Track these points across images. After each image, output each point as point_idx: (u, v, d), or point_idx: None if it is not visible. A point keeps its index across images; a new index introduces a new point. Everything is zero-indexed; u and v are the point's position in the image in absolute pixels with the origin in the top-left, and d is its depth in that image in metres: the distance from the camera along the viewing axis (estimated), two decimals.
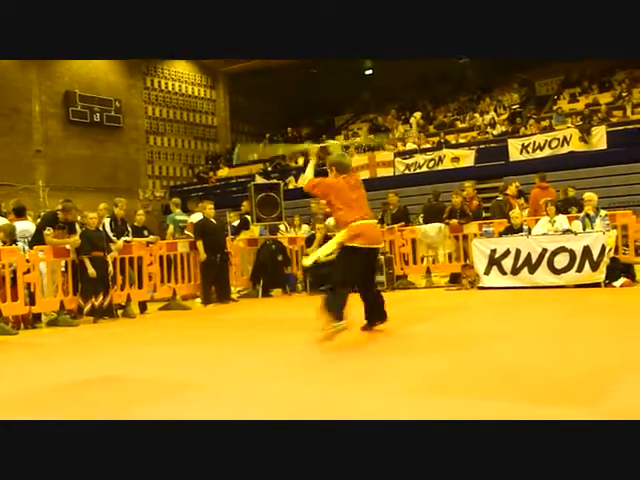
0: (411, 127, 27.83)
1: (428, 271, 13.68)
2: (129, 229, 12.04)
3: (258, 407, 4.18)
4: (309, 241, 13.69)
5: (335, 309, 6.48)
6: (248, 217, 14.51)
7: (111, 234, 11.45)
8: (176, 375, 5.49)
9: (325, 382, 4.93)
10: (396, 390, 4.43)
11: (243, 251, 14.10)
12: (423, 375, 4.91)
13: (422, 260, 13.88)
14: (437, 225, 13.37)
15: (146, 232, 12.39)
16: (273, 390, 4.69)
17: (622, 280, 10.96)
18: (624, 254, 11.89)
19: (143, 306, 11.79)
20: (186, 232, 13.52)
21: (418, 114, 28.44)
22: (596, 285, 10.83)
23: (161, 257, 12.13)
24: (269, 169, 27.88)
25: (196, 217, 13.41)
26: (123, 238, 11.59)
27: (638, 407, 3.68)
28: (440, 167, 22.63)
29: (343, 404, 4.15)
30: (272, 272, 13.65)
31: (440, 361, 5.43)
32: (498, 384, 4.48)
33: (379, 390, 4.47)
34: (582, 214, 11.76)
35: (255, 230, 14.51)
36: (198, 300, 12.65)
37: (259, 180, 22.42)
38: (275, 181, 16.40)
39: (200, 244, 12.26)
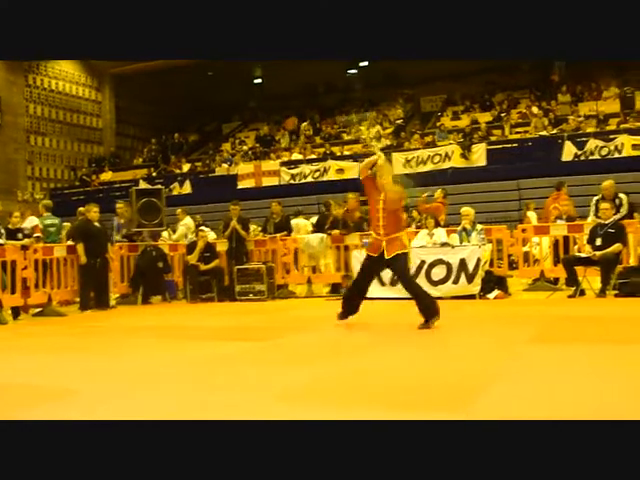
0: (298, 137, 27.99)
1: (309, 281, 13.75)
2: (2, 231, 11.57)
3: (124, 412, 4.06)
4: (190, 248, 13.51)
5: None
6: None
7: None
8: (47, 383, 5.28)
9: (201, 388, 4.85)
10: (267, 397, 4.40)
11: (123, 257, 13.79)
12: (294, 384, 4.89)
13: (303, 270, 13.95)
14: (319, 235, 13.46)
15: (20, 235, 11.93)
16: (151, 395, 4.58)
17: (496, 292, 11.32)
18: (499, 267, 12.29)
19: (16, 312, 11.35)
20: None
21: (304, 124, 28.63)
22: (471, 297, 11.13)
23: (36, 261, 11.69)
24: (154, 174, 27.43)
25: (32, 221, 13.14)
26: None
27: (501, 412, 3.78)
28: (325, 178, 22.84)
29: (213, 408, 4.08)
30: (152, 279, 13.42)
31: (314, 370, 5.43)
32: (370, 392, 4.51)
33: (251, 396, 4.43)
34: (459, 228, 12.08)
35: None
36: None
37: (143, 185, 22.06)
38: (158, 187, 16.14)
39: (80, 247, 11.92)
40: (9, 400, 4.68)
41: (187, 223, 15.92)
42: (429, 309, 7.62)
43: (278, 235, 13.88)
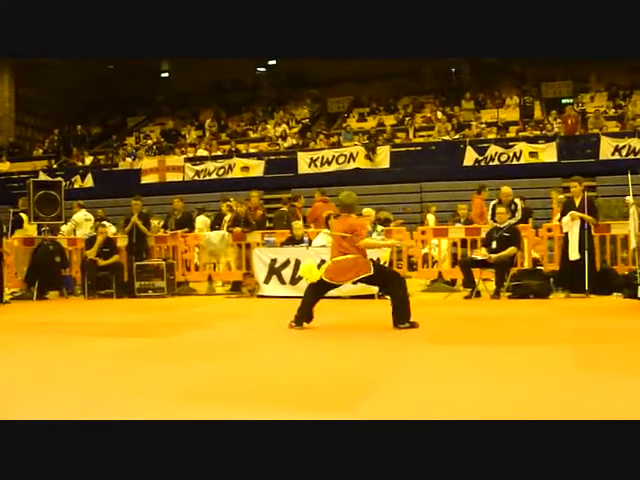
0: (204, 134, 27.81)
1: (210, 278, 13.67)
2: None
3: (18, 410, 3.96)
4: (89, 243, 13.24)
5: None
6: (23, 215, 13.85)
7: None
8: None
9: (94, 386, 4.76)
10: (160, 395, 4.36)
11: (18, 251, 13.41)
12: (188, 382, 4.86)
13: (205, 267, 13.87)
14: (220, 232, 13.38)
15: None
16: (41, 394, 4.48)
17: None
18: (398, 268, 12.46)
19: None
20: None
21: (208, 121, 28.46)
22: (370, 297, 11.26)
23: None
24: (55, 166, 26.72)
25: None
26: None
27: (389, 409, 3.85)
28: (230, 175, 22.74)
29: (105, 407, 4.03)
30: (49, 274, 13.08)
31: (208, 368, 5.41)
32: (261, 391, 4.53)
33: (144, 394, 4.39)
34: None
35: (31, 229, 13.85)
36: None
37: (43, 177, 21.49)
38: (57, 179, 15.74)
39: None
40: None
41: (75, 219, 15.45)
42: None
43: (179, 231, 13.76)
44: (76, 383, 4.92)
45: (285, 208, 14.46)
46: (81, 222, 15.35)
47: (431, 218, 16.43)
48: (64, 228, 15.38)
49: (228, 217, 13.44)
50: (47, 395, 4.50)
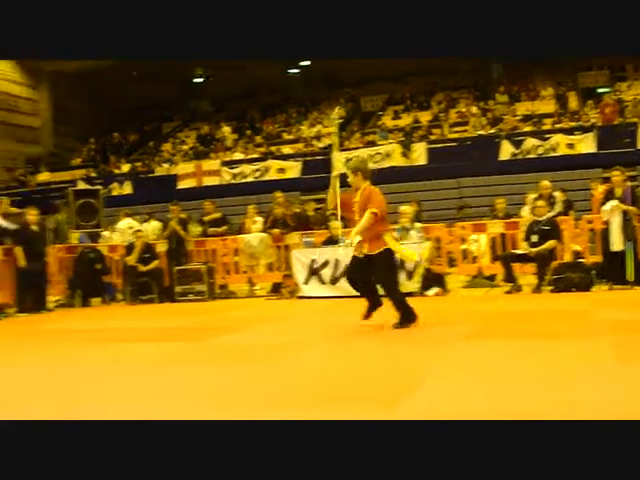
0: (240, 137, 27.91)
1: (250, 281, 13.71)
2: None
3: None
4: (129, 249, 13.36)
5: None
6: (64, 224, 14.07)
7: None
8: None
9: (135, 390, 4.81)
10: (202, 398, 4.38)
11: (60, 259, 13.58)
12: (229, 384, 4.88)
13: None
14: (260, 235, 13.42)
15: None
16: (91, 399, 4.53)
17: (435, 290, 11.42)
18: (438, 265, 12.40)
19: None
20: None
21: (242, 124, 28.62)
22: (410, 294, 11.21)
23: None
24: (93, 174, 27.02)
25: None
26: None
27: (436, 407, 3.82)
28: (266, 177, 22.77)
29: (146, 409, 4.06)
30: (90, 281, 13.23)
31: (249, 370, 5.42)
32: (302, 392, 4.53)
33: (185, 397, 4.41)
34: (398, 226, 12.16)
35: (71, 237, 14.05)
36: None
37: (81, 186, 21.73)
38: (96, 187, 15.94)
39: (19, 250, 11.77)
40: None
41: (120, 227, 15.64)
42: (404, 311, 7.41)
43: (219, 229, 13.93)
44: (121, 386, 4.97)
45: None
46: (126, 229, 15.52)
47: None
48: (106, 234, 15.55)
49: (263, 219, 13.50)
50: (96, 397, 4.55)
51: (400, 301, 7.40)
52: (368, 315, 7.62)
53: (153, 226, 15.56)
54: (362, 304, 7.73)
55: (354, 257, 7.56)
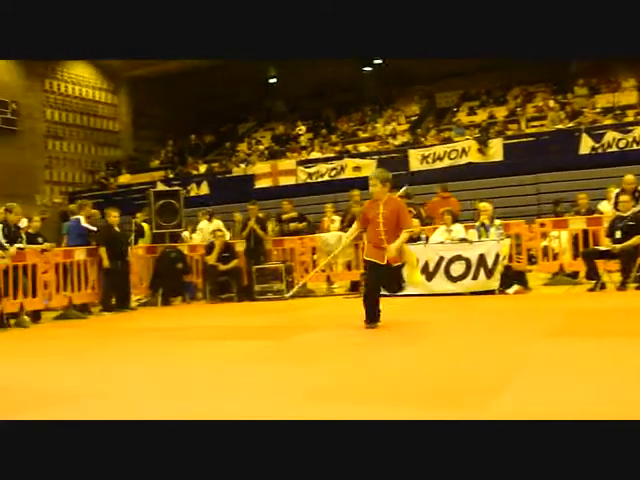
0: (315, 136, 27.99)
1: (328, 279, 13.76)
2: (23, 236, 11.66)
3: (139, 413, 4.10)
4: (209, 249, 13.56)
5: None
6: (145, 225, 14.36)
7: (3, 240, 11.03)
8: (64, 386, 5.34)
9: (219, 388, 4.88)
10: (285, 395, 4.42)
11: (142, 259, 13.87)
12: (310, 382, 4.91)
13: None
14: (337, 234, 13.45)
15: (40, 239, 12.05)
16: (175, 397, 4.62)
17: (515, 287, 11.27)
18: (518, 262, 12.23)
19: (36, 315, 11.42)
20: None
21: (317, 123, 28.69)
22: (490, 292, 11.10)
23: (57, 265, 11.79)
24: (171, 176, 27.49)
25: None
26: (16, 245, 11.19)
27: (526, 407, 3.77)
28: (342, 176, 22.78)
29: (229, 408, 4.11)
30: (172, 280, 13.48)
31: (332, 367, 5.45)
32: (392, 388, 4.52)
33: (270, 395, 4.46)
34: (477, 223, 12.05)
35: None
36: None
37: (160, 187, 22.12)
38: (176, 188, 16.21)
39: (103, 251, 12.10)
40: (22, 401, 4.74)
41: (202, 227, 15.89)
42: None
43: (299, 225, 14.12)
44: (210, 385, 5.05)
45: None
46: (206, 229, 15.75)
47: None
48: (186, 234, 15.79)
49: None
50: (182, 396, 4.64)
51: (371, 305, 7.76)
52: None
53: (215, 224, 15.68)
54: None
55: (381, 267, 7.73)
